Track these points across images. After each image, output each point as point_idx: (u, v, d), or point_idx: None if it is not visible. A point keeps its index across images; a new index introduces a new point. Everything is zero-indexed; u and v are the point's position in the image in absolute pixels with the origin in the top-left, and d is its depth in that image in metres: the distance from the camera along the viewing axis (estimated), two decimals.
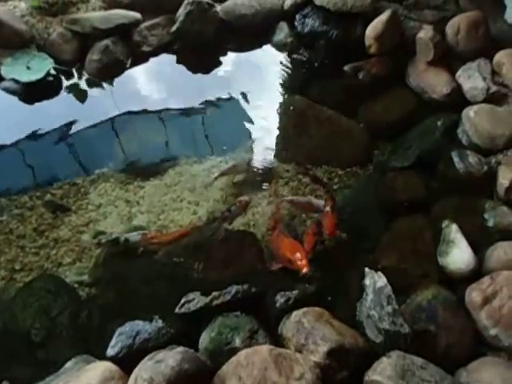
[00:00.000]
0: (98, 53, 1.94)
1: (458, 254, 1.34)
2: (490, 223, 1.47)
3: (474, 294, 1.22)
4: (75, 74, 2.02)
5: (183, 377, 0.97)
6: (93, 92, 2.00)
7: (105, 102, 1.97)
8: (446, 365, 1.08)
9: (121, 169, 1.78)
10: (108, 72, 1.98)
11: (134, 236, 1.51)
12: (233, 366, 1.02)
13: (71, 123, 1.89)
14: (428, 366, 1.00)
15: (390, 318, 1.09)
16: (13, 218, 1.61)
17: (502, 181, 1.52)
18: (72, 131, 1.88)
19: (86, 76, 2.01)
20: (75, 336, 1.26)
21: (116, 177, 1.76)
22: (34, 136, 1.84)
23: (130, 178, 1.76)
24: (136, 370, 1.02)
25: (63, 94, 1.97)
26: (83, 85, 2.01)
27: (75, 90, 1.98)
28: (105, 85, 2.02)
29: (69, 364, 1.14)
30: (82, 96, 1.97)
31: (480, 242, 1.41)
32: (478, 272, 1.31)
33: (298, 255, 1.33)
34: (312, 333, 1.09)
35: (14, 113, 1.90)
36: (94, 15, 2.01)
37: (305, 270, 1.28)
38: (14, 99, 1.89)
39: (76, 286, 1.44)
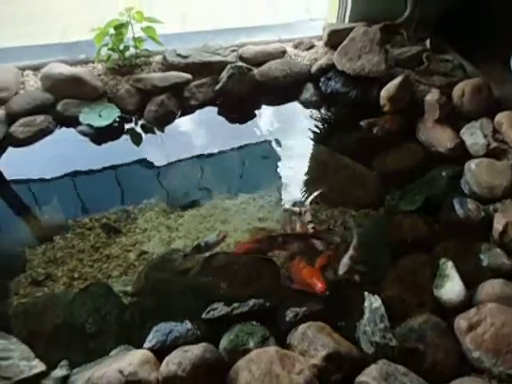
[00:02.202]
0: (155, 105, 2.32)
1: (451, 287, 1.50)
2: (485, 263, 1.63)
3: (461, 321, 1.37)
4: (136, 122, 2.39)
5: (205, 364, 1.19)
6: (148, 136, 2.35)
7: (157, 144, 2.32)
8: (431, 380, 1.23)
9: (164, 200, 2.05)
10: (162, 120, 2.34)
11: (213, 238, 1.77)
12: (245, 362, 1.24)
13: (128, 161, 2.23)
14: (409, 373, 1.16)
15: (381, 332, 1.28)
16: (75, 236, 1.89)
17: (497, 226, 1.69)
18: (128, 168, 2.21)
19: (143, 123, 2.37)
20: (120, 331, 1.49)
21: (160, 206, 2.02)
22: (98, 170, 2.19)
23: (171, 209, 2.02)
24: (167, 357, 1.25)
25: (125, 137, 2.34)
26: (141, 130, 2.37)
27: (135, 135, 2.35)
28: (159, 131, 2.37)
29: (114, 352, 1.38)
30: (139, 139, 2.33)
31: (474, 278, 1.56)
32: (468, 304, 1.46)
33: (316, 279, 1.56)
34: (314, 341, 1.28)
35: (85, 151, 2.27)
36: (155, 75, 2.40)
37: (322, 289, 1.50)
38: (87, 140, 2.28)
39: (121, 294, 1.66)
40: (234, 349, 1.34)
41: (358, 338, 1.37)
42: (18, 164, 2.17)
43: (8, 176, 2.13)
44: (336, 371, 1.22)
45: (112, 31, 2.34)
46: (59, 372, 1.28)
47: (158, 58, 2.58)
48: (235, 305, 1.47)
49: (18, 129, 2.20)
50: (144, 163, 2.24)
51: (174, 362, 1.21)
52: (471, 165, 1.93)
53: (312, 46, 2.64)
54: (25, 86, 2.39)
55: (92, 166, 2.19)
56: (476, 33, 2.54)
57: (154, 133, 2.37)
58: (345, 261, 1.64)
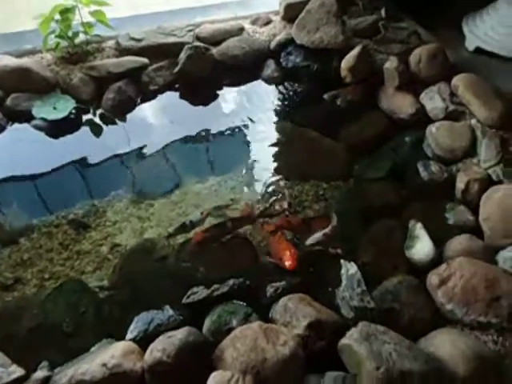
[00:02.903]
0: (113, 93, 2.23)
1: (421, 247, 1.57)
2: (451, 221, 1.70)
3: (432, 278, 1.44)
4: (94, 112, 2.29)
5: (190, 346, 1.19)
6: (108, 126, 2.26)
7: (118, 133, 2.24)
8: (409, 336, 1.28)
9: (133, 191, 2.00)
10: (122, 108, 2.26)
11: (197, 216, 1.79)
12: (230, 339, 1.24)
13: (90, 153, 2.14)
14: (388, 331, 1.21)
15: (359, 296, 1.32)
16: (42, 235, 1.82)
17: (459, 184, 1.77)
18: (90, 160, 2.13)
19: (102, 112, 2.28)
20: (99, 327, 1.46)
21: (129, 197, 1.97)
22: (58, 165, 2.08)
23: (141, 198, 1.97)
24: (151, 345, 1.23)
25: (84, 128, 2.24)
26: (100, 120, 2.27)
27: (93, 125, 2.25)
28: (119, 120, 2.28)
29: (95, 347, 1.35)
30: (99, 130, 2.24)
31: (442, 236, 1.63)
32: (438, 261, 1.52)
33: (287, 255, 1.58)
34: (295, 312, 1.31)
35: (42, 147, 2.16)
36: (109, 62, 2.30)
37: (291, 266, 1.53)
38: (42, 134, 2.16)
39: (97, 290, 1.63)
40: (218, 329, 1.34)
41: (337, 305, 1.41)
42: None
43: None
44: (319, 338, 1.25)
45: (58, 17, 2.20)
46: (40, 374, 1.24)
47: (111, 43, 2.47)
48: (215, 286, 1.47)
49: None
50: (107, 154, 2.15)
51: (158, 348, 1.20)
52: (432, 128, 1.99)
53: (269, 22, 2.61)
54: None
55: (51, 162, 2.08)
56: None
57: (114, 122, 2.28)
58: (317, 235, 1.67)
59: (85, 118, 2.28)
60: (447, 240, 1.61)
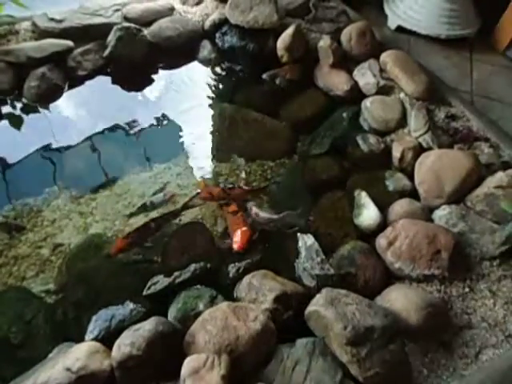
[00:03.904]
0: (36, 80, 2.02)
1: (367, 214, 1.68)
2: (391, 188, 1.83)
3: (381, 240, 1.55)
4: (16, 102, 2.07)
5: (159, 337, 1.16)
6: (33, 116, 2.05)
7: (45, 125, 2.04)
8: (367, 295, 1.38)
9: (69, 186, 1.86)
10: (47, 97, 2.06)
11: (159, 197, 1.76)
12: (200, 323, 1.24)
13: (14, 148, 1.94)
14: (350, 294, 1.29)
15: (319, 265, 1.38)
16: None
17: (395, 154, 1.90)
18: (16, 155, 1.92)
19: (25, 102, 2.06)
20: (53, 332, 1.37)
21: (66, 193, 1.84)
22: None
23: (80, 193, 1.85)
24: (118, 341, 1.18)
25: (4, 121, 2.02)
26: (23, 111, 2.06)
27: (16, 117, 2.03)
28: (45, 109, 2.08)
29: (53, 352, 1.26)
30: (22, 122, 2.02)
31: (385, 202, 1.75)
32: (383, 225, 1.65)
33: (237, 237, 1.59)
34: (260, 288, 1.34)
35: None
36: (28, 45, 2.07)
37: (238, 248, 1.55)
38: None
39: (43, 294, 1.51)
40: (185, 315, 1.33)
41: (299, 277, 1.46)
42: None
43: None
44: (287, 309, 1.29)
45: None
46: None
47: (26, 24, 2.22)
48: (176, 274, 1.44)
49: None
50: (35, 149, 1.96)
51: (126, 343, 1.15)
52: (366, 103, 2.11)
53: (200, 1, 2.53)
54: None
55: None
56: None
57: (39, 112, 2.08)
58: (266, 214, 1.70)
59: (5, 110, 2.05)
60: (389, 205, 1.74)
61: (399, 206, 1.69)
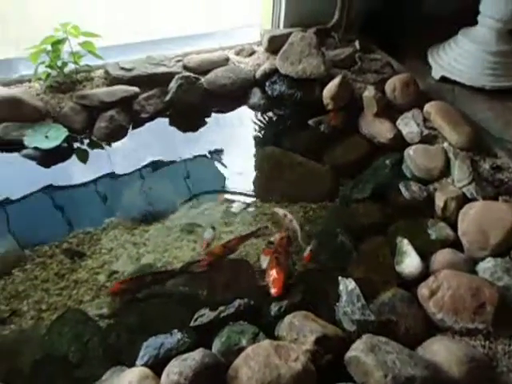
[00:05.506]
0: (105, 121, 2.27)
1: (409, 262, 1.69)
2: (433, 236, 1.83)
3: (423, 290, 1.56)
4: (86, 140, 2.32)
5: (205, 368, 1.23)
6: (101, 153, 2.29)
7: (111, 160, 2.27)
8: (407, 344, 1.39)
9: (127, 217, 2.01)
10: (113, 136, 2.30)
11: (210, 232, 1.88)
12: (243, 359, 1.29)
13: (84, 180, 2.15)
14: (390, 342, 1.31)
15: (360, 310, 1.41)
16: (36, 266, 1.79)
17: (438, 202, 1.92)
18: (84, 187, 2.14)
19: (95, 140, 2.30)
20: (107, 355, 1.46)
21: (123, 223, 1.99)
22: (52, 194, 2.09)
23: (135, 224, 1.99)
24: (166, 369, 1.26)
25: (76, 156, 2.25)
26: (92, 148, 2.30)
27: (85, 153, 2.27)
28: (111, 147, 2.31)
29: (106, 375, 1.36)
30: (90, 157, 2.26)
31: (427, 251, 1.76)
32: (425, 274, 1.65)
33: (273, 282, 1.62)
34: (301, 329, 1.38)
35: (34, 176, 2.15)
36: (100, 91, 2.35)
37: (275, 294, 1.58)
38: (33, 164, 2.16)
39: (97, 318, 1.62)
40: (228, 349, 1.39)
41: (339, 320, 1.49)
42: None
43: None
44: (327, 352, 1.33)
45: (49, 48, 2.24)
46: None
47: (100, 72, 2.52)
48: (221, 308, 1.52)
49: None
50: (100, 181, 2.18)
51: (174, 371, 1.23)
52: (409, 151, 2.16)
53: (253, 52, 2.75)
54: None
55: (44, 191, 2.08)
56: (397, 31, 2.83)
57: (105, 149, 2.31)
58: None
59: (76, 146, 2.29)
60: (431, 254, 1.75)
61: (442, 256, 1.70)
